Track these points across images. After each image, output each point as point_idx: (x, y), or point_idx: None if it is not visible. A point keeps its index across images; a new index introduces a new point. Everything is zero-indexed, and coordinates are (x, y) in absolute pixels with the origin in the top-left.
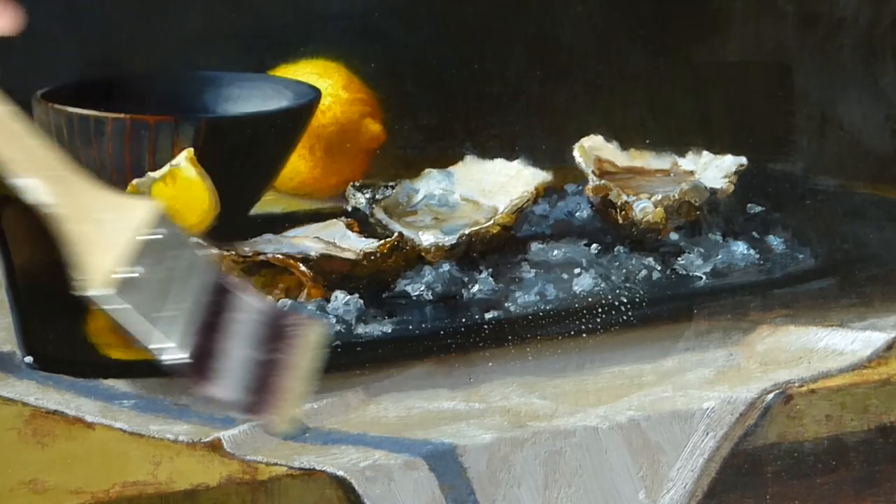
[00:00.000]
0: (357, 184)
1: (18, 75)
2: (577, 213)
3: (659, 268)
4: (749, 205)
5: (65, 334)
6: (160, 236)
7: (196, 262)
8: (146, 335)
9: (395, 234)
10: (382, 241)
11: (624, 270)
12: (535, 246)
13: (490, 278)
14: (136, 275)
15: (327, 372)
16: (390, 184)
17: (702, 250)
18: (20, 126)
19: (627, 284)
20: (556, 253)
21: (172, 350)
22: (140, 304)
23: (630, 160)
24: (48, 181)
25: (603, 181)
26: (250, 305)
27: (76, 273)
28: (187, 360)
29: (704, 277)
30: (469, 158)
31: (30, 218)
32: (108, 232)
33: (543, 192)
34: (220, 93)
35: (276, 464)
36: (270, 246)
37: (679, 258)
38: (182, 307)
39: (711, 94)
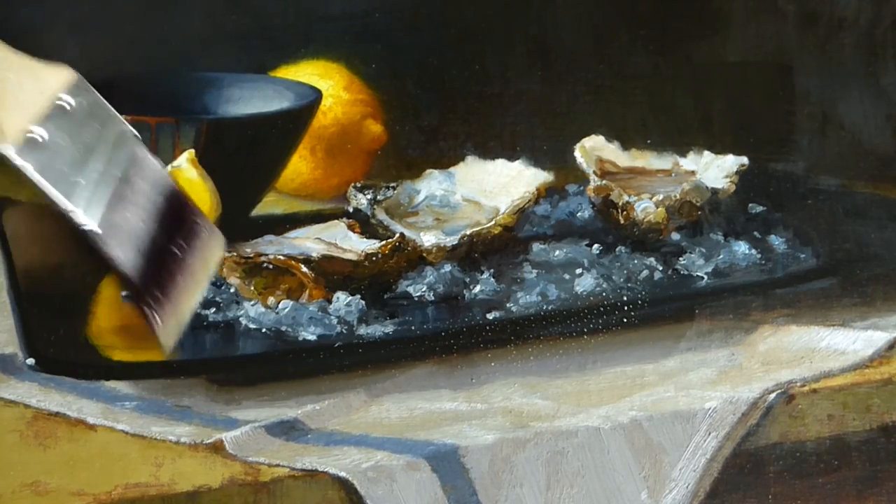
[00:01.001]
0: (358, 185)
1: None
2: (579, 214)
3: (660, 268)
4: (750, 205)
5: (66, 336)
6: (78, 103)
7: (119, 133)
8: (58, 198)
9: (397, 235)
10: (384, 242)
11: (625, 271)
12: (536, 246)
13: (492, 279)
14: (46, 137)
15: (329, 373)
16: (391, 185)
17: (703, 250)
18: None
19: (629, 285)
20: (558, 253)
21: (82, 216)
22: (52, 167)
23: (631, 160)
24: None
25: (604, 181)
26: (166, 186)
27: None
28: (95, 230)
29: (706, 277)
30: (470, 159)
31: (31, 220)
32: (19, 92)
33: (545, 193)
34: (220, 94)
35: (278, 465)
36: (272, 247)
37: (680, 258)
38: (99, 176)
39: (712, 94)
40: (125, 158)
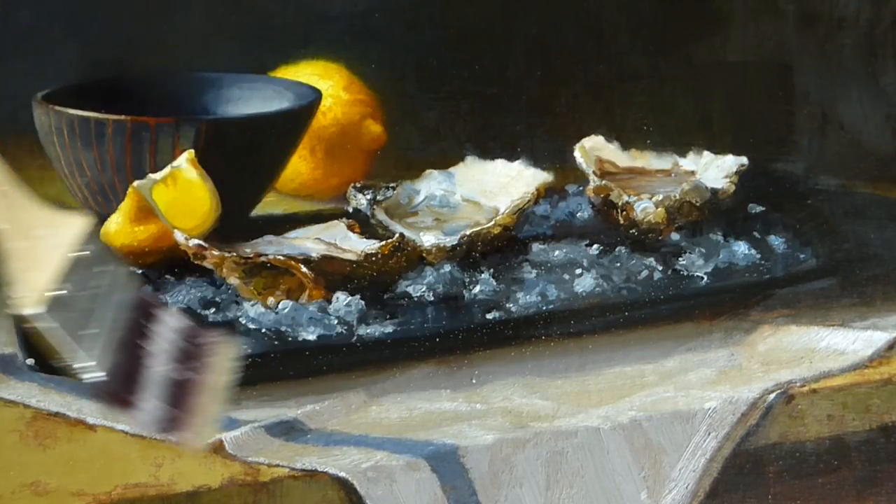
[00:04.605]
0: (358, 185)
1: (19, 77)
2: (579, 214)
3: (660, 268)
4: (750, 205)
5: None
6: (87, 252)
7: (118, 278)
8: (71, 354)
9: (397, 235)
10: (384, 242)
11: (625, 271)
12: (536, 246)
13: (491, 279)
14: (65, 292)
15: (329, 373)
16: (391, 185)
17: (703, 250)
18: None
19: (629, 285)
20: (558, 253)
21: (93, 369)
22: (67, 321)
23: (631, 160)
24: None
25: (604, 181)
26: (167, 322)
27: (11, 291)
28: (104, 379)
29: (706, 277)
30: (470, 159)
31: None
32: (43, 248)
33: (544, 193)
34: (220, 94)
35: (277, 465)
36: (272, 247)
37: (680, 258)
38: (104, 325)
39: (712, 94)
40: (123, 301)
